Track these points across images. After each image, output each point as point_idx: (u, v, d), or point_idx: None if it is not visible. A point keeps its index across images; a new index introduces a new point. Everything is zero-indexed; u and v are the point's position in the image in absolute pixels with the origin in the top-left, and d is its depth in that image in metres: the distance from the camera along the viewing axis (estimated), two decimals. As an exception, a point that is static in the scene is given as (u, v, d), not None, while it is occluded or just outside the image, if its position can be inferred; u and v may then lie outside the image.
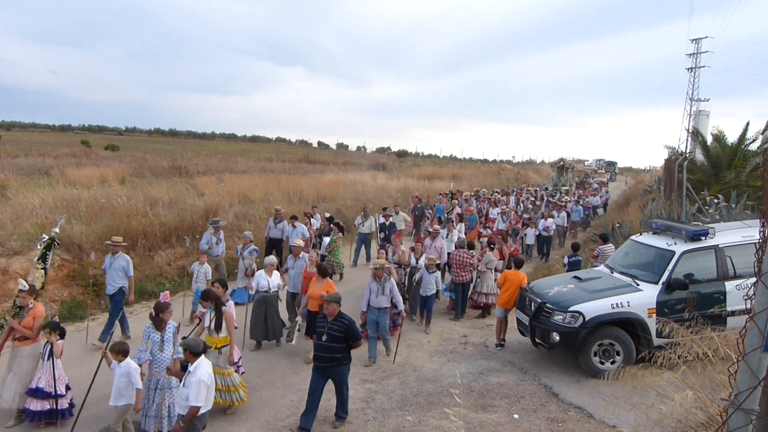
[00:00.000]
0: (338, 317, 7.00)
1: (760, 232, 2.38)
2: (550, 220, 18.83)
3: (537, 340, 8.90)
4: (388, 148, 75.29)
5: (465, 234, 16.54)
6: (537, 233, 18.41)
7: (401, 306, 9.48)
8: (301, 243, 10.87)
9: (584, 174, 49.97)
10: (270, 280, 9.70)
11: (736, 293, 8.09)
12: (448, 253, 12.71)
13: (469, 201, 23.41)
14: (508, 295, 9.97)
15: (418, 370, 8.95)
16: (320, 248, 14.38)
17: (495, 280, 11.91)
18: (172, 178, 24.59)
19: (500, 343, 10.01)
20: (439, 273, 11.04)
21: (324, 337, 6.92)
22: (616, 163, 68.62)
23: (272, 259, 9.99)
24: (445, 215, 19.29)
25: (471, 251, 12.52)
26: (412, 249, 12.10)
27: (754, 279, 2.40)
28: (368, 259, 16.75)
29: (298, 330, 9.63)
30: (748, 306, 2.36)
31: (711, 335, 5.77)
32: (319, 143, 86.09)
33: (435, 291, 10.90)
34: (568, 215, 21.77)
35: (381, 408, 7.59)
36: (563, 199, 24.41)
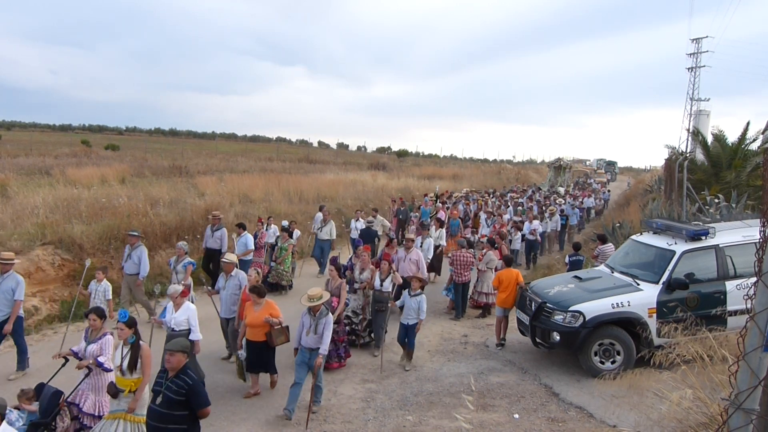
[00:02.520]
0: (181, 373, 5.22)
1: (760, 231, 2.38)
2: (536, 222, 17.69)
3: (537, 340, 8.90)
4: (389, 147, 75.43)
5: (446, 240, 15.61)
6: (523, 237, 17.05)
7: (324, 348, 7.21)
8: (234, 259, 9.14)
9: (583, 174, 49.83)
10: (173, 316, 7.65)
11: (737, 293, 8.08)
12: (434, 251, 12.51)
13: (456, 204, 22.13)
14: (505, 294, 9.97)
15: (419, 370, 8.95)
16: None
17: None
18: (172, 178, 24.63)
19: (500, 342, 10.01)
20: (424, 296, 9.00)
21: (158, 399, 5.19)
22: (616, 162, 68.67)
23: (175, 288, 7.93)
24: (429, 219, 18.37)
25: (471, 250, 12.52)
26: (377, 264, 10.09)
27: (754, 279, 2.40)
28: (322, 271, 14.80)
29: (245, 366, 8.01)
30: (749, 306, 2.36)
31: (709, 335, 5.77)
32: (320, 143, 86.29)
33: (416, 320, 8.95)
34: (567, 218, 20.99)
35: (381, 407, 7.60)
36: (557, 202, 23.49)
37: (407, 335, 9.03)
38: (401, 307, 9.23)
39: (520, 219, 18.85)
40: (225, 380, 8.47)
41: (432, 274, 14.25)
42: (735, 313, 8.07)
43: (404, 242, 11.96)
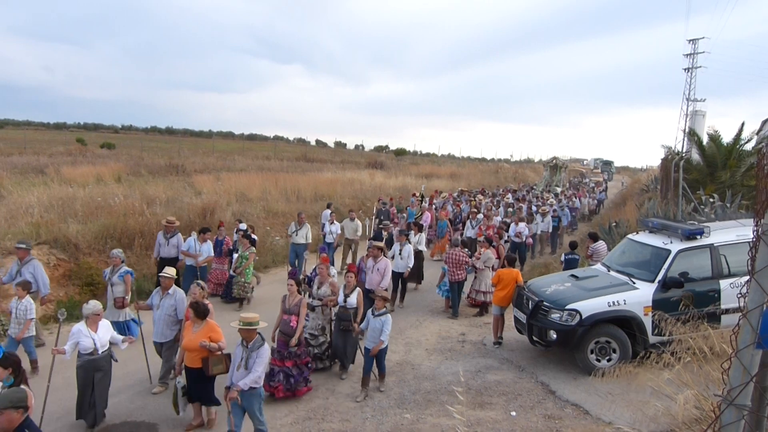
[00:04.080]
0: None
1: (753, 231, 2.43)
2: (522, 225, 16.62)
3: (534, 338, 8.96)
4: (387, 146, 75.44)
5: (426, 246, 15.16)
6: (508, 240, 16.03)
7: (245, 381, 6.08)
8: (172, 273, 8.00)
9: (579, 174, 49.82)
10: (96, 336, 6.75)
11: (731, 291, 8.15)
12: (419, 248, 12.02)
13: (445, 204, 21.28)
14: (503, 293, 10.02)
15: (416, 369, 9.00)
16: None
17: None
18: (169, 177, 24.62)
19: (498, 341, 10.07)
20: (389, 317, 8.03)
21: None
22: (612, 162, 68.76)
23: (94, 306, 6.89)
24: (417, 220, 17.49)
25: (466, 249, 12.56)
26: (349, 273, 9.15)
27: (747, 277, 2.44)
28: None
29: (183, 394, 6.93)
30: (742, 304, 2.41)
31: (705, 333, 5.83)
32: (317, 141, 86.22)
33: (387, 343, 8.07)
34: (559, 219, 20.35)
35: (379, 406, 7.64)
36: (549, 203, 22.81)
37: (373, 360, 8.09)
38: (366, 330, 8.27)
39: (509, 221, 17.85)
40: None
41: (413, 284, 13.77)
42: (728, 311, 8.15)
43: (370, 250, 10.91)
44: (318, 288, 8.98)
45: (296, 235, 14.23)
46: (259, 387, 6.23)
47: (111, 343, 7.00)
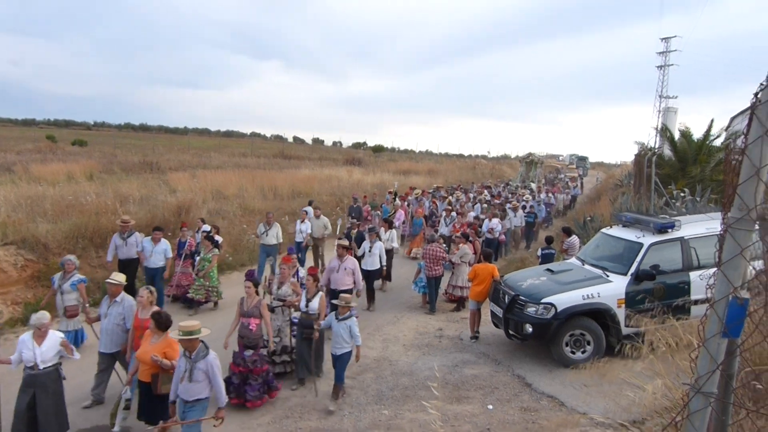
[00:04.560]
0: None
1: (721, 224, 2.49)
2: (495, 220, 16.62)
3: (511, 332, 9.05)
4: (364, 143, 75.48)
5: (399, 243, 14.93)
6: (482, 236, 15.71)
7: (221, 399, 5.77)
8: (120, 279, 7.46)
9: (554, 169, 50.21)
10: (38, 350, 6.09)
11: (700, 283, 8.30)
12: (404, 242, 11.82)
13: (420, 201, 20.65)
14: (480, 288, 10.10)
15: (394, 364, 9.03)
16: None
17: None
18: (143, 174, 24.21)
19: (475, 335, 10.14)
20: (354, 319, 7.61)
21: None
22: (587, 158, 69.43)
23: (40, 318, 6.19)
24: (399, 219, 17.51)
25: (444, 245, 12.62)
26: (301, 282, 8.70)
27: (715, 269, 2.51)
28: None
29: (126, 408, 6.63)
30: (709, 295, 2.47)
31: (675, 324, 5.95)
32: (295, 138, 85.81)
33: (350, 349, 7.58)
34: (534, 215, 20.35)
35: (357, 403, 7.65)
36: (525, 198, 22.62)
37: (336, 366, 7.67)
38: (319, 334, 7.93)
39: (483, 217, 17.90)
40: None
41: (381, 281, 13.28)
42: (698, 302, 8.32)
43: (336, 249, 10.34)
44: (278, 288, 8.66)
45: (266, 235, 13.62)
46: (204, 399, 5.77)
47: (62, 357, 6.34)
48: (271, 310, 8.34)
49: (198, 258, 11.76)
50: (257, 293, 7.84)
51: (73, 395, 7.15)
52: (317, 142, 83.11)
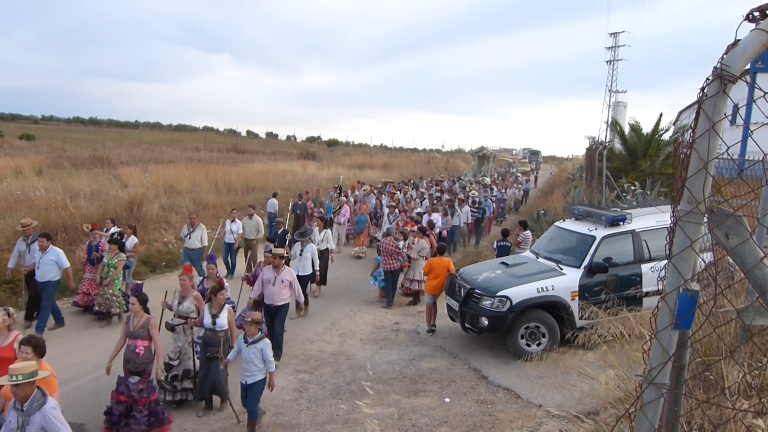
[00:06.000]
0: None
1: (671, 216, 2.51)
2: (435, 215, 15.88)
3: (467, 325, 9.11)
4: (319, 137, 75.03)
5: (345, 241, 14.76)
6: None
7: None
8: None
9: (506, 163, 50.70)
10: None
11: (651, 275, 8.51)
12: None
13: (367, 197, 19.97)
14: (436, 281, 10.13)
15: (351, 359, 8.99)
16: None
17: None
18: (93, 169, 23.56)
19: (431, 329, 10.18)
20: (266, 342, 6.59)
21: None
22: (539, 152, 70.53)
23: None
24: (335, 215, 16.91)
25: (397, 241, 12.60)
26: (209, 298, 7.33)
27: (666, 261, 2.54)
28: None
29: None
30: (661, 287, 2.49)
31: (627, 316, 6.07)
32: (248, 132, 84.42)
33: (263, 376, 6.53)
34: (483, 210, 19.84)
35: (314, 397, 7.59)
36: (471, 194, 22.07)
37: (247, 395, 6.58)
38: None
39: (422, 211, 17.27)
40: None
41: (313, 286, 12.05)
42: (649, 293, 8.52)
43: (270, 257, 9.05)
44: (179, 303, 7.47)
45: (189, 238, 12.39)
46: None
47: None
48: (171, 329, 7.38)
49: (102, 263, 10.37)
50: (146, 311, 6.61)
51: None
52: (271, 136, 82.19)
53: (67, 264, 9.62)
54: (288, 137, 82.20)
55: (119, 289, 10.35)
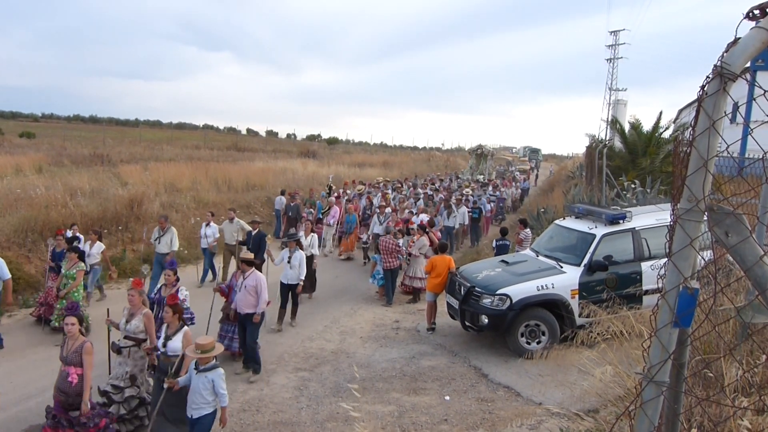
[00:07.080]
0: None
1: (671, 214, 2.52)
2: (423, 215, 15.34)
3: (467, 323, 9.12)
4: (319, 135, 74.98)
5: (334, 244, 14.53)
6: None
7: None
8: None
9: (506, 162, 50.43)
10: None
11: (651, 273, 8.51)
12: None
13: (355, 197, 19.27)
14: (438, 280, 10.14)
15: (351, 357, 9.00)
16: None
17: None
18: (93, 167, 23.55)
19: (431, 327, 10.19)
20: (220, 371, 5.59)
21: None
22: (539, 150, 70.32)
23: None
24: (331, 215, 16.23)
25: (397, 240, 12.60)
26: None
27: (666, 259, 2.54)
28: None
29: None
30: (661, 285, 2.49)
31: (628, 314, 6.07)
32: (248, 130, 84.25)
33: (211, 410, 5.56)
34: (480, 210, 19.00)
35: (314, 395, 7.60)
36: (464, 192, 21.21)
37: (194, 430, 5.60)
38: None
39: (413, 212, 16.56)
40: None
41: (306, 295, 11.76)
42: (649, 291, 8.52)
43: (240, 262, 8.68)
44: (127, 321, 6.65)
45: (158, 242, 11.61)
46: None
47: None
48: (118, 351, 6.59)
49: (60, 275, 9.48)
50: (82, 333, 5.80)
51: None
52: (271, 134, 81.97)
53: (7, 276, 8.47)
54: (288, 135, 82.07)
55: (81, 304, 9.03)
